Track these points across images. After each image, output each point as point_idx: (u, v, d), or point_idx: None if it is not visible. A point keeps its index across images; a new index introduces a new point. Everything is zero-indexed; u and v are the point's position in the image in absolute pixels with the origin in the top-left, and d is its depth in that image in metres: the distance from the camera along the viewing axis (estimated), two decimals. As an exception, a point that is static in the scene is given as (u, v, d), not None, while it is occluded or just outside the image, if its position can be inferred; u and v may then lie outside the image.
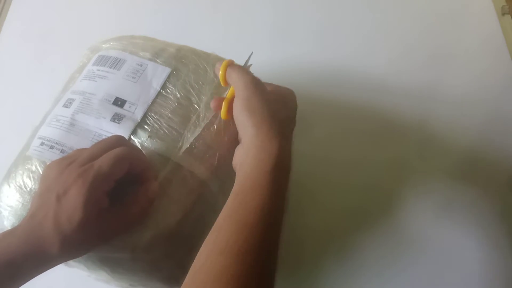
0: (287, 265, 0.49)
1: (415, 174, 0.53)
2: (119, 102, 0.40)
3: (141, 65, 0.42)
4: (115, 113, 0.39)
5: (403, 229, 0.50)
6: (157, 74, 0.42)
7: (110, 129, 0.38)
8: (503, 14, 0.63)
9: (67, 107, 0.41)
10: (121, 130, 0.38)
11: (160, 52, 0.44)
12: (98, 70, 0.43)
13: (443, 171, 0.53)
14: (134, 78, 0.41)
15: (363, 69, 0.60)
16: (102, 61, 0.43)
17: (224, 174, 0.41)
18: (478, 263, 0.48)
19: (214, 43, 0.46)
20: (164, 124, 0.39)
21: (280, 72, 0.61)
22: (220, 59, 0.45)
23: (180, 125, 0.39)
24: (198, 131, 0.39)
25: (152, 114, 0.40)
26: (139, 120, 0.39)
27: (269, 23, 0.67)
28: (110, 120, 0.39)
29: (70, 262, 0.41)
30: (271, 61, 0.61)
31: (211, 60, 0.44)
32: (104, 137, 0.38)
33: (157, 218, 0.36)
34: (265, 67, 0.62)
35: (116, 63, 0.43)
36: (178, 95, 0.41)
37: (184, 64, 0.43)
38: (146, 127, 0.39)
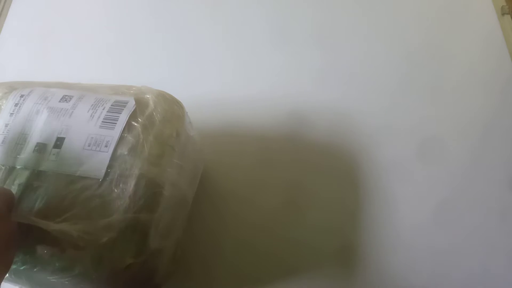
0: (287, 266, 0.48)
1: (414, 174, 0.51)
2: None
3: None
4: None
5: (400, 229, 0.49)
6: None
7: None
8: (503, 14, 0.61)
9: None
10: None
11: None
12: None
13: (443, 171, 0.52)
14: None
15: (361, 68, 0.59)
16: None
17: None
18: (478, 265, 0.47)
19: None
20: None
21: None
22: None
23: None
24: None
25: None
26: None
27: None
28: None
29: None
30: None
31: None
32: None
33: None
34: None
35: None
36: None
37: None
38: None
